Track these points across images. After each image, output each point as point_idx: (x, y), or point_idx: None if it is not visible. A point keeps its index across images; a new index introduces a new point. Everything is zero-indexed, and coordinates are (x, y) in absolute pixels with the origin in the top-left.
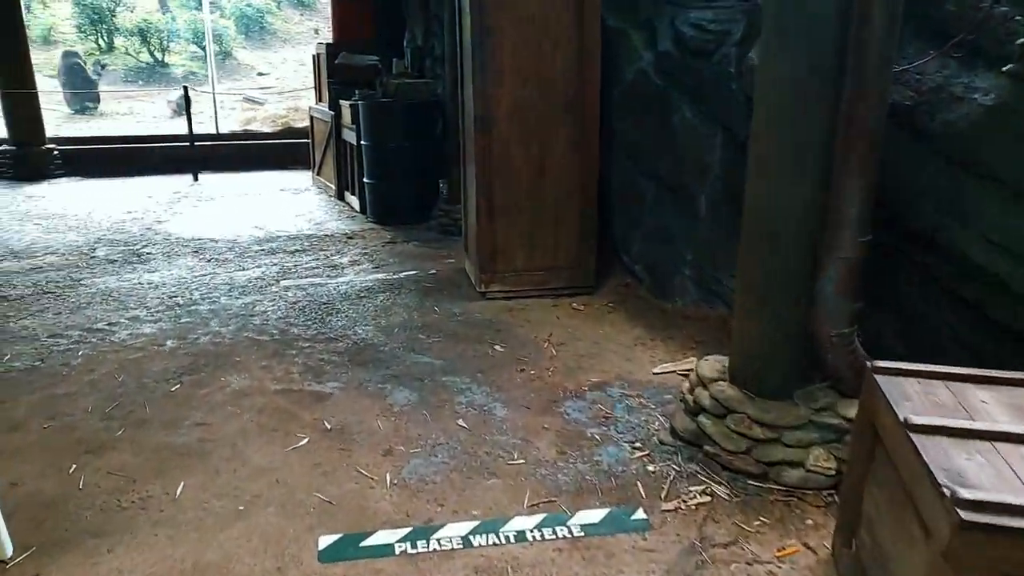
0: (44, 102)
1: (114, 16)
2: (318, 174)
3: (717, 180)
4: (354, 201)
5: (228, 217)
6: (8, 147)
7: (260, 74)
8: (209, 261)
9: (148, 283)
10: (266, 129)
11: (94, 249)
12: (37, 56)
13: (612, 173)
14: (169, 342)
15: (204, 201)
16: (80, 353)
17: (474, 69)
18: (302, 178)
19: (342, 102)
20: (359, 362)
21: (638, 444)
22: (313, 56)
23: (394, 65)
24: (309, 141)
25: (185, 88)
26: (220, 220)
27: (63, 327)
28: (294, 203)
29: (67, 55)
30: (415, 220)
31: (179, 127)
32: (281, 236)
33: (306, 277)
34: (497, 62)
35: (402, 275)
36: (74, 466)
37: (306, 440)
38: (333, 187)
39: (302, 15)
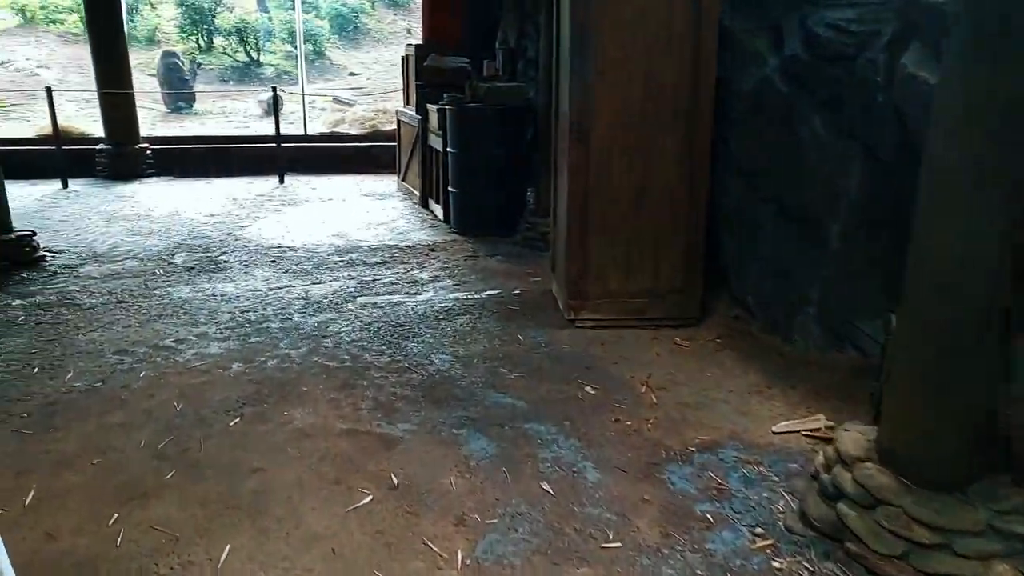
0: (142, 101)
1: (214, 16)
2: (403, 179)
3: (853, 207)
4: (438, 210)
5: (309, 224)
6: (105, 146)
7: (352, 74)
8: (286, 272)
9: (221, 295)
10: (353, 131)
11: (173, 255)
12: (141, 56)
13: (723, 191)
14: (235, 365)
15: (287, 205)
16: (142, 374)
17: (572, 73)
18: (387, 183)
19: (429, 106)
20: (434, 399)
21: (759, 530)
22: (402, 58)
23: (484, 67)
24: (395, 144)
25: (274, 89)
26: (301, 227)
27: (130, 342)
28: (377, 210)
29: (166, 55)
30: (500, 232)
31: (269, 128)
32: (362, 246)
33: (384, 294)
34: (598, 65)
35: (484, 295)
36: (115, 516)
37: (369, 498)
38: (417, 194)
39: (395, 15)
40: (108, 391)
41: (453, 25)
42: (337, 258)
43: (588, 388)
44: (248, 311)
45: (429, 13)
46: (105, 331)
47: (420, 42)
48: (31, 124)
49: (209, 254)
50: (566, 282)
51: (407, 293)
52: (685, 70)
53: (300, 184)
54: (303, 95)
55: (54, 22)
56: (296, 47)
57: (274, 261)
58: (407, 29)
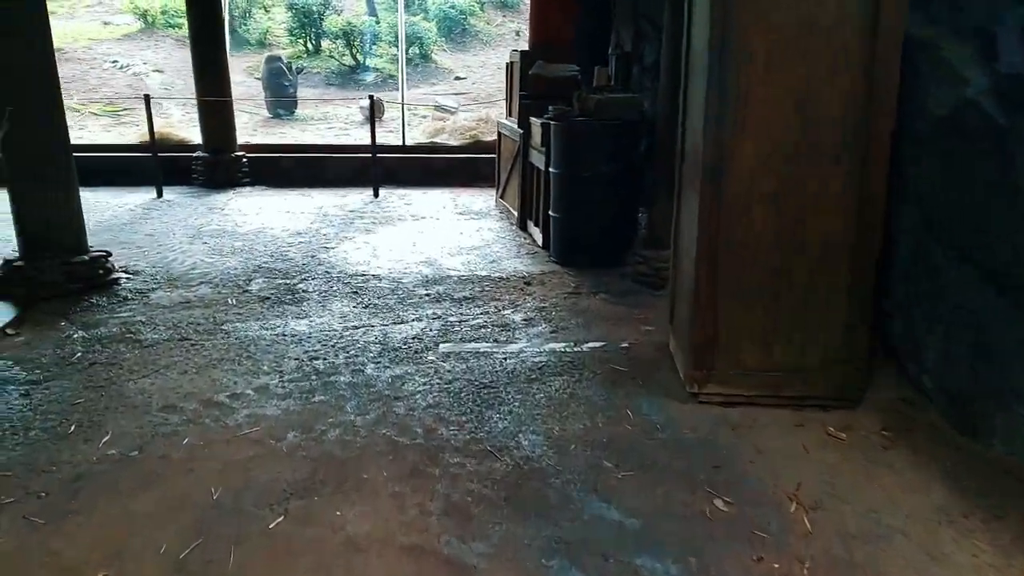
0: (244, 106)
1: (322, 19)
2: (501, 196)
3: None
4: (537, 234)
5: (398, 247)
6: (202, 154)
7: (457, 78)
8: (366, 307)
9: (292, 335)
10: (453, 142)
11: (250, 280)
12: (251, 60)
13: (893, 241)
14: (291, 435)
15: (378, 224)
16: (185, 440)
17: (707, 93)
18: (485, 199)
19: (532, 119)
20: (520, 504)
21: None
22: (506, 64)
23: (595, 75)
24: (495, 160)
25: (371, 98)
26: (389, 250)
27: (182, 394)
28: (471, 232)
29: (269, 60)
30: (606, 263)
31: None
32: (451, 276)
33: (470, 340)
34: (741, 85)
35: (586, 347)
36: None
37: None
38: (515, 214)
39: (504, 16)
40: (144, 462)
41: (563, 29)
42: (423, 291)
43: (718, 501)
44: (318, 358)
45: (537, 16)
46: (159, 377)
47: (526, 48)
48: (138, 129)
49: (288, 281)
50: (689, 348)
51: (496, 340)
52: (855, 93)
53: (394, 198)
54: (402, 104)
55: (173, 26)
56: (405, 50)
57: (355, 292)
58: (516, 31)
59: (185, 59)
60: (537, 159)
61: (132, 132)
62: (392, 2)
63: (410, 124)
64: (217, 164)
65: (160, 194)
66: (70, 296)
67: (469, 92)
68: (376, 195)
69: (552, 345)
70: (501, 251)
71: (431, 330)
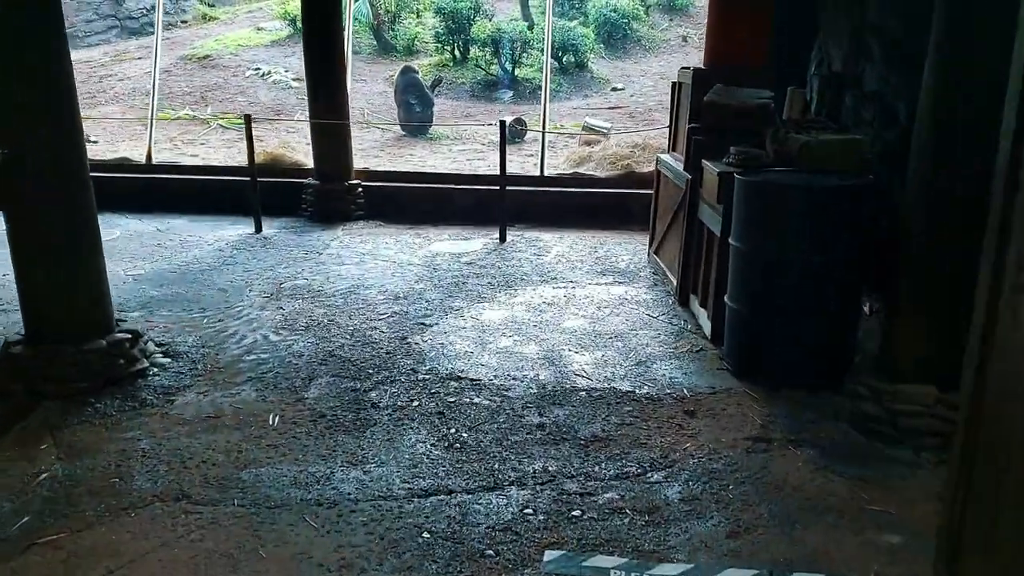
0: (379, 121)
1: (471, 25)
2: (655, 251)
3: None
4: (703, 318)
5: (514, 327)
6: (313, 181)
7: (614, 89)
8: (450, 447)
9: (331, 500)
10: (601, 173)
11: (311, 380)
12: (396, 68)
13: None
14: None
15: (495, 288)
16: None
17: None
18: (634, 251)
19: (705, 163)
20: None
21: None
22: (672, 85)
23: (788, 101)
24: (652, 197)
25: (502, 124)
26: (502, 333)
27: None
28: (614, 304)
29: (405, 71)
30: (810, 385)
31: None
32: (578, 389)
33: (593, 540)
34: None
35: None
36: None
37: None
38: (674, 282)
39: (671, 20)
40: None
41: (752, 45)
42: (536, 417)
43: None
44: (359, 558)
45: (717, 27)
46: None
47: (699, 65)
48: (261, 146)
49: (359, 384)
50: None
51: (637, 549)
52: None
53: (523, 244)
54: (543, 129)
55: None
56: (558, 59)
57: (441, 414)
58: (683, 37)
59: None
60: (710, 219)
61: (258, 147)
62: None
63: (552, 146)
64: (328, 194)
65: (259, 228)
66: (78, 396)
67: (626, 106)
68: (502, 239)
69: (734, 571)
70: (651, 344)
71: (535, 511)
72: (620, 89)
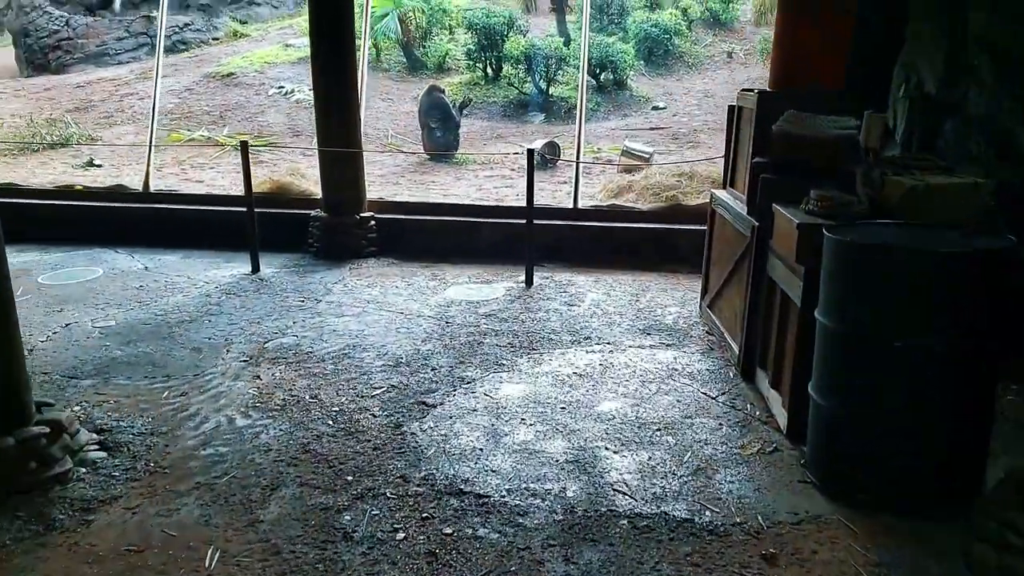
0: (403, 144)
1: (504, 41)
2: (709, 305)
3: None
4: (775, 404)
5: (537, 411)
6: (320, 214)
7: (655, 108)
8: None
9: None
10: (642, 204)
11: (272, 491)
12: (425, 87)
13: None
14: None
15: (516, 351)
16: None
17: None
18: (683, 301)
19: (778, 209)
20: None
21: None
22: (729, 109)
23: (865, 127)
24: (704, 235)
25: (529, 153)
26: (520, 419)
27: None
28: (661, 375)
29: (431, 90)
30: (927, 511)
31: (542, 187)
32: (618, 518)
33: None
34: None
35: None
36: None
37: None
38: (735, 348)
39: (715, 35)
40: None
41: (828, 63)
42: (560, 565)
43: None
44: None
45: (785, 41)
46: None
47: (765, 88)
48: (272, 171)
49: (330, 502)
50: None
51: None
52: None
53: (552, 291)
54: (577, 156)
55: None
56: (596, 76)
57: (432, 556)
58: (728, 53)
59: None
60: (786, 281)
61: (265, 173)
62: (591, 20)
63: (588, 173)
64: (336, 228)
65: (255, 268)
66: None
67: (668, 127)
68: (529, 282)
69: None
70: (712, 439)
71: None
72: (662, 108)
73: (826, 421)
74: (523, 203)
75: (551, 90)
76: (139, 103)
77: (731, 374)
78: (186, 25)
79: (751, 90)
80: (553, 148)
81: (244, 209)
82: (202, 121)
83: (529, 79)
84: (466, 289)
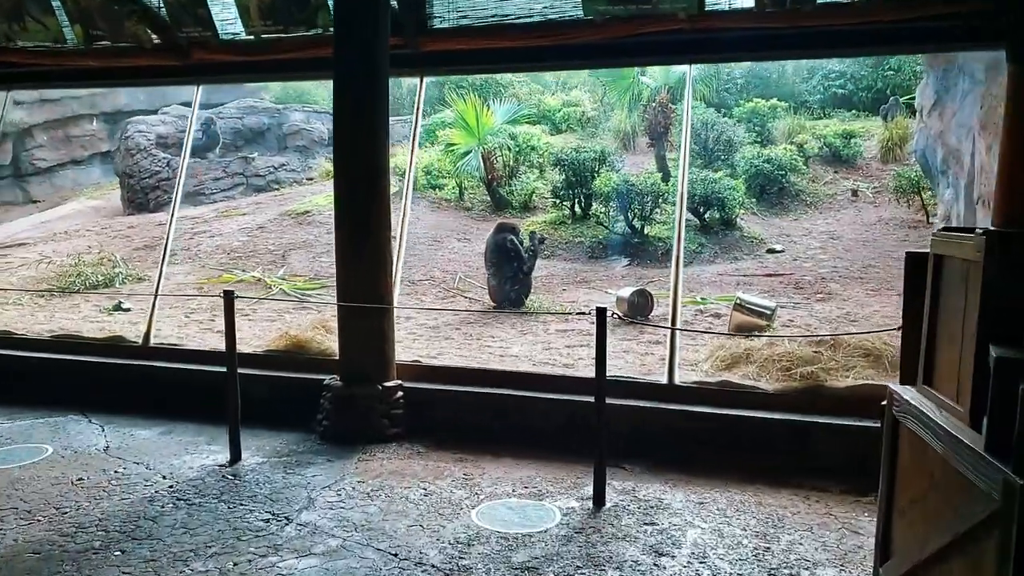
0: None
1: (595, 177)
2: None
3: None
4: None
5: None
6: (334, 382)
7: (771, 250)
8: None
9: None
10: (766, 383)
11: None
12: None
13: None
14: None
15: None
16: None
17: None
18: (843, 555)
19: None
20: None
21: None
22: (910, 260)
23: None
24: (863, 442)
25: (600, 313)
26: None
27: None
28: None
29: (499, 229)
30: None
31: (626, 348)
32: None
33: None
34: None
35: None
36: None
37: None
38: None
39: (836, 172)
40: None
41: None
42: None
43: None
44: None
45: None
46: None
47: (991, 227)
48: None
49: None
50: None
51: None
52: None
53: (633, 520)
54: (672, 325)
55: (434, 187)
56: (699, 214)
57: None
58: (852, 191)
59: (436, 224)
60: None
61: (295, 323)
62: (692, 156)
63: (690, 342)
64: (350, 402)
65: (235, 456)
66: None
67: (789, 273)
68: (598, 501)
69: None
70: None
71: None
72: (779, 251)
73: None
74: (589, 377)
75: (646, 229)
76: (208, 241)
77: None
78: (281, 165)
79: (978, 231)
80: (644, 297)
81: (255, 371)
82: (262, 260)
83: (620, 217)
84: (504, 510)
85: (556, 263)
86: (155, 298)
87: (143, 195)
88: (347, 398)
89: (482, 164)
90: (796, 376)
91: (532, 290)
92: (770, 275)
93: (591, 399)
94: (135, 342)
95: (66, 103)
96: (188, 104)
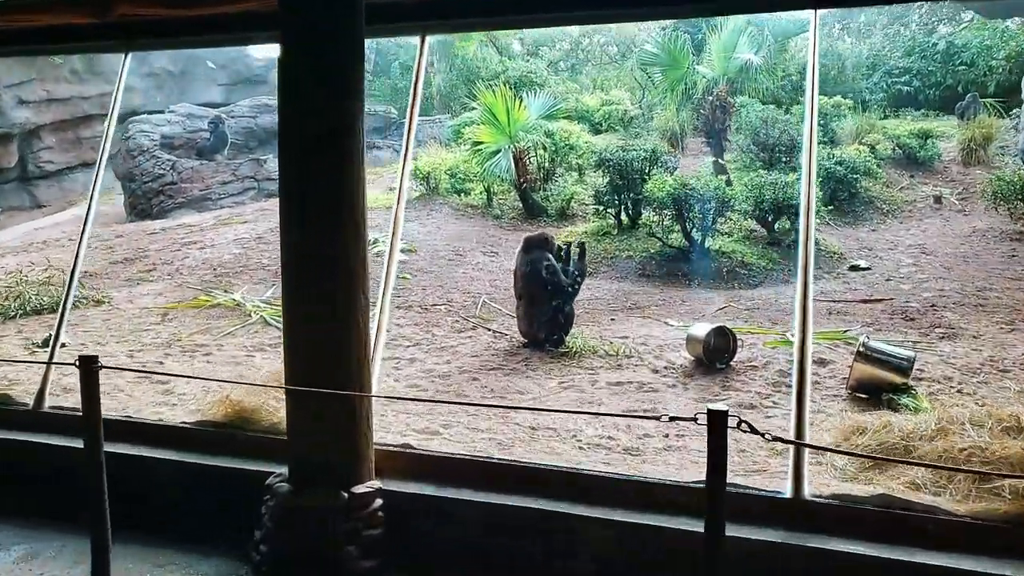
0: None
1: (644, 180)
2: None
3: None
4: None
5: None
6: (280, 484)
7: (854, 267)
8: None
9: None
10: (949, 502)
11: None
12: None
13: None
14: None
15: None
16: None
17: None
18: None
19: None
20: None
21: None
22: None
23: None
24: None
25: (717, 421)
26: None
27: None
28: None
29: (528, 246)
30: None
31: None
32: None
33: None
34: None
35: None
36: None
37: None
38: None
39: (912, 176)
40: None
41: None
42: None
43: None
44: None
45: None
46: None
47: None
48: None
49: None
50: None
51: None
52: None
53: None
54: (799, 392)
55: (459, 192)
56: (768, 224)
57: None
58: (934, 197)
59: (458, 235)
60: None
61: (264, 374)
62: (750, 157)
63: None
64: (299, 520)
65: None
66: None
67: (888, 298)
68: None
69: None
70: None
71: None
72: (863, 268)
73: None
74: (678, 463)
75: (707, 242)
76: (197, 254)
77: None
78: None
79: None
80: (725, 336)
81: (155, 454)
82: (252, 277)
83: (678, 228)
84: None
85: (600, 283)
86: (53, 343)
87: (146, 200)
88: (293, 512)
89: (513, 165)
90: (1003, 491)
91: (572, 323)
92: (865, 301)
93: (686, 523)
94: (24, 404)
95: (76, 103)
96: (202, 104)
